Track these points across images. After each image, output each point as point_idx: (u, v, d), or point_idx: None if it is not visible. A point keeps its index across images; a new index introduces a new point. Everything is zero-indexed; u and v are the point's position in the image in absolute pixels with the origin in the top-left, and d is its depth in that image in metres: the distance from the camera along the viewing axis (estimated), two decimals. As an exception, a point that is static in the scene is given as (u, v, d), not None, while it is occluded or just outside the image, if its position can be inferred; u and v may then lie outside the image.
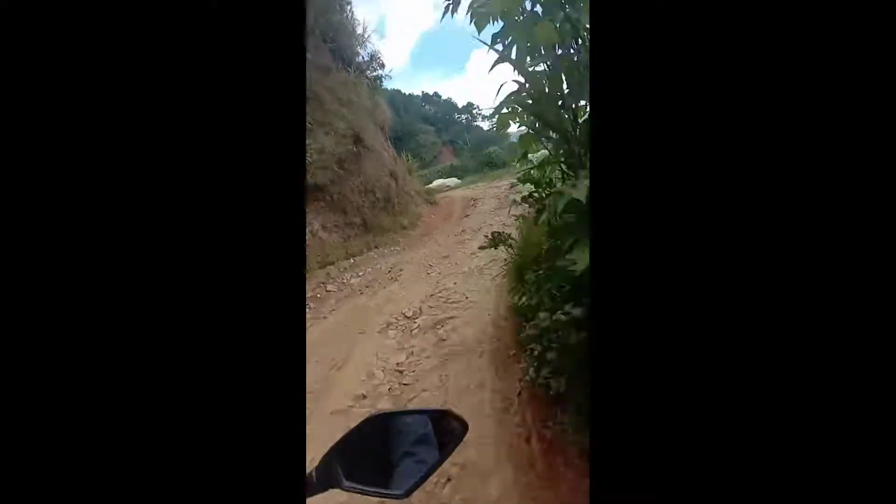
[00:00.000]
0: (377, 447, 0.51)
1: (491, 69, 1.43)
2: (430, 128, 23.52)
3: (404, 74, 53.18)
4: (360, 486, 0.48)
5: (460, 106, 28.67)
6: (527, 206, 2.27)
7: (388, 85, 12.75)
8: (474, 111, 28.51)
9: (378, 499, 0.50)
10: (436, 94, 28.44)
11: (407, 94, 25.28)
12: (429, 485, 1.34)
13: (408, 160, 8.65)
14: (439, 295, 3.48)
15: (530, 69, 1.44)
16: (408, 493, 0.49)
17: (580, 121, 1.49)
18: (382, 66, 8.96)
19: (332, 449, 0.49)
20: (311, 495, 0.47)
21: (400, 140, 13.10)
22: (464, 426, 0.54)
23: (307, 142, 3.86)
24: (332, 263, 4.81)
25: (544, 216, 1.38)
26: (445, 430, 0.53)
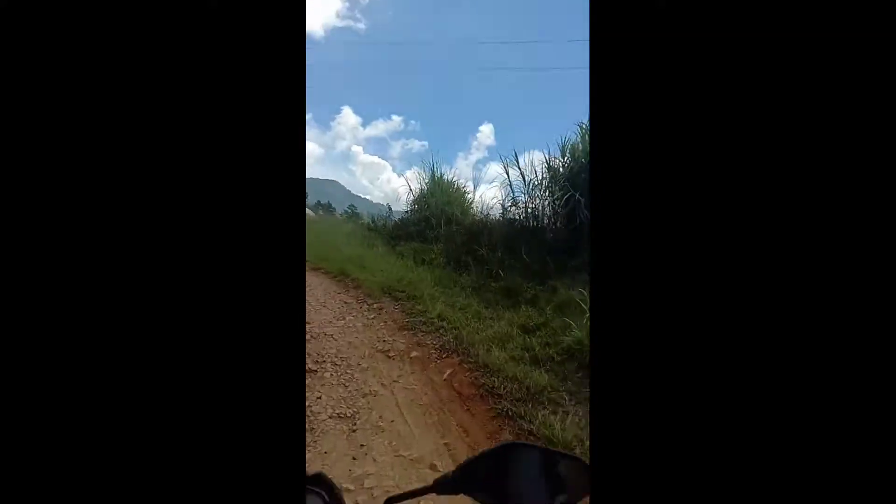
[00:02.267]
0: (514, 472, 0.50)
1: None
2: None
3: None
4: (493, 501, 0.49)
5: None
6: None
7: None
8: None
9: None
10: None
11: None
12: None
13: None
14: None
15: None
16: None
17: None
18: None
19: (470, 461, 0.50)
20: (445, 493, 0.49)
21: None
22: None
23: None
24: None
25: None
26: (579, 474, 0.50)
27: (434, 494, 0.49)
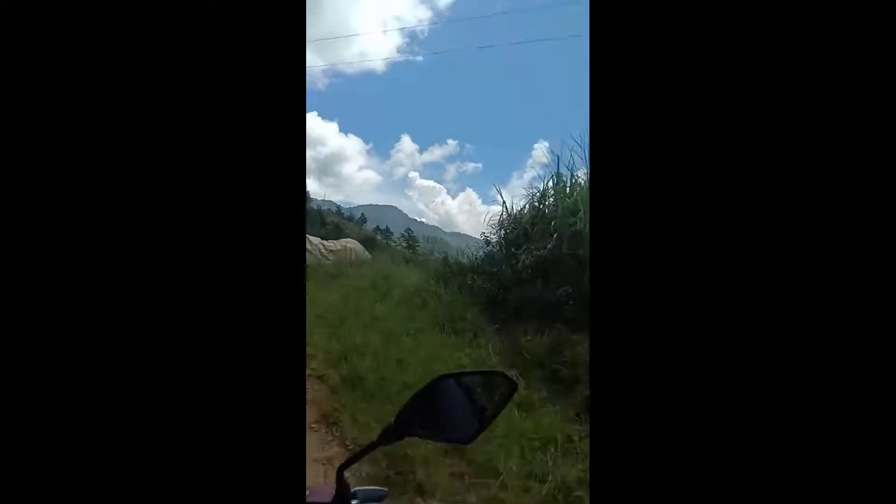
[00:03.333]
0: (442, 403, 0.58)
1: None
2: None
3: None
4: (431, 434, 0.59)
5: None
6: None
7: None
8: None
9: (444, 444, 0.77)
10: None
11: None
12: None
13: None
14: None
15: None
16: (471, 440, 0.61)
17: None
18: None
19: (405, 406, 0.56)
20: (389, 444, 0.55)
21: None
22: (513, 385, 0.63)
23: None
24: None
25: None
26: (497, 387, 0.62)
27: (381, 447, 0.54)
